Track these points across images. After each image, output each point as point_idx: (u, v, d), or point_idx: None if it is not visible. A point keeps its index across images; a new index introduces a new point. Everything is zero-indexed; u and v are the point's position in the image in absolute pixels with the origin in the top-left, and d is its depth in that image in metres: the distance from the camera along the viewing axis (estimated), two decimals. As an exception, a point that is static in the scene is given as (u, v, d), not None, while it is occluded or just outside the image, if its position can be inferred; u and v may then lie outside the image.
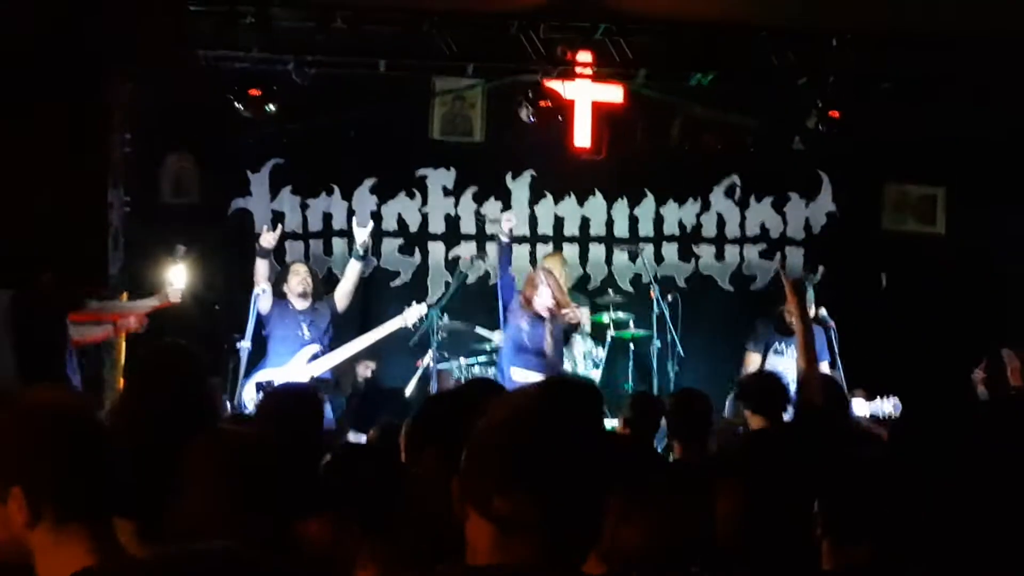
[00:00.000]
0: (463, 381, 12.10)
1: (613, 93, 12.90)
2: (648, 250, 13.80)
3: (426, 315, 11.63)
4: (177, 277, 10.84)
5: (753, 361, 11.63)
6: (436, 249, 13.98)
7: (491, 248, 13.62)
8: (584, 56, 12.27)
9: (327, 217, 13.72)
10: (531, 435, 2.47)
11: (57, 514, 2.81)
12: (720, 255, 14.26)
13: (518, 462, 2.44)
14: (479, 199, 13.97)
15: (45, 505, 2.80)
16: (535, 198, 14.09)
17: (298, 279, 11.61)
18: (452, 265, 13.80)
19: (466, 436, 2.60)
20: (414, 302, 11.65)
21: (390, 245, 13.86)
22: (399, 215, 13.88)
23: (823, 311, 11.40)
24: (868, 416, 10.60)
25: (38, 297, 9.61)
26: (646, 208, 14.17)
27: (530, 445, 2.46)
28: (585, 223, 14.17)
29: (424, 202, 13.92)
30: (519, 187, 14.05)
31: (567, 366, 12.21)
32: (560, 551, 2.45)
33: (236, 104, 11.72)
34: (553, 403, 2.59)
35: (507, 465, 2.45)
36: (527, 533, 2.42)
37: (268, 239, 11.45)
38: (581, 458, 2.48)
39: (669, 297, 12.63)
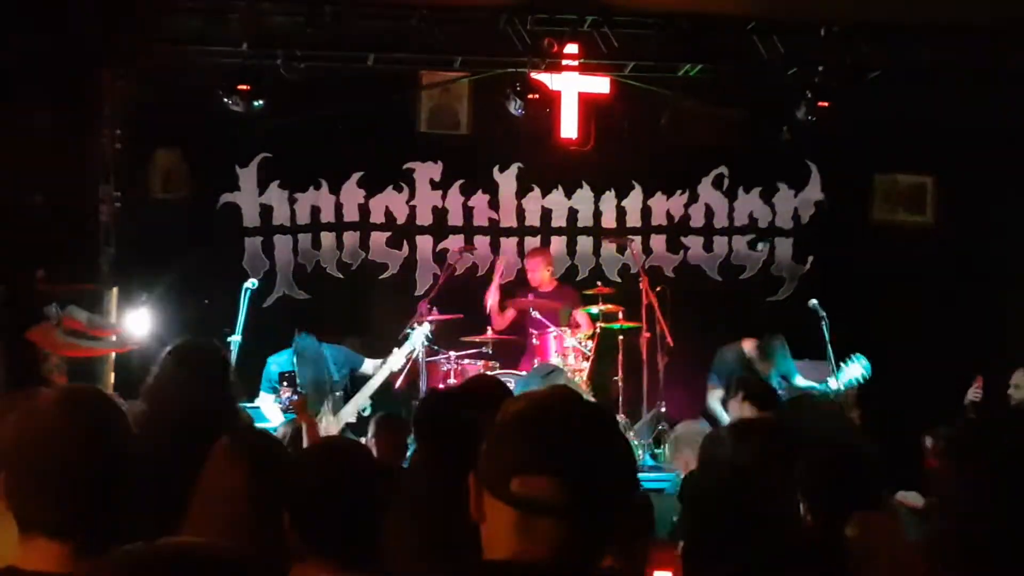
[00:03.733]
0: (452, 374, 12.13)
1: (600, 84, 12.92)
2: (636, 241, 13.82)
3: (430, 335, 11.57)
4: (137, 324, 10.75)
5: (717, 395, 11.56)
6: (424, 242, 13.97)
7: (479, 241, 13.73)
8: (571, 48, 12.27)
9: (315, 211, 13.71)
10: (550, 418, 2.52)
11: (19, 523, 2.79)
12: (708, 246, 14.28)
13: (536, 442, 2.48)
14: (466, 192, 13.97)
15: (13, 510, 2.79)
16: (522, 190, 14.10)
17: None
18: (440, 258, 13.79)
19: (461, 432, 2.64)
20: (416, 325, 11.56)
21: (378, 238, 13.86)
22: (387, 208, 13.88)
23: (813, 301, 11.44)
24: None
25: (32, 294, 9.65)
26: (634, 199, 14.19)
27: (548, 426, 2.50)
28: (573, 215, 14.18)
29: (412, 195, 13.91)
30: (506, 179, 14.07)
31: (555, 359, 12.20)
32: (580, 539, 2.46)
33: (225, 99, 11.68)
34: (570, 394, 2.66)
35: (525, 445, 2.48)
36: (547, 517, 2.44)
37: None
38: (599, 444, 2.52)
39: (658, 288, 12.67)
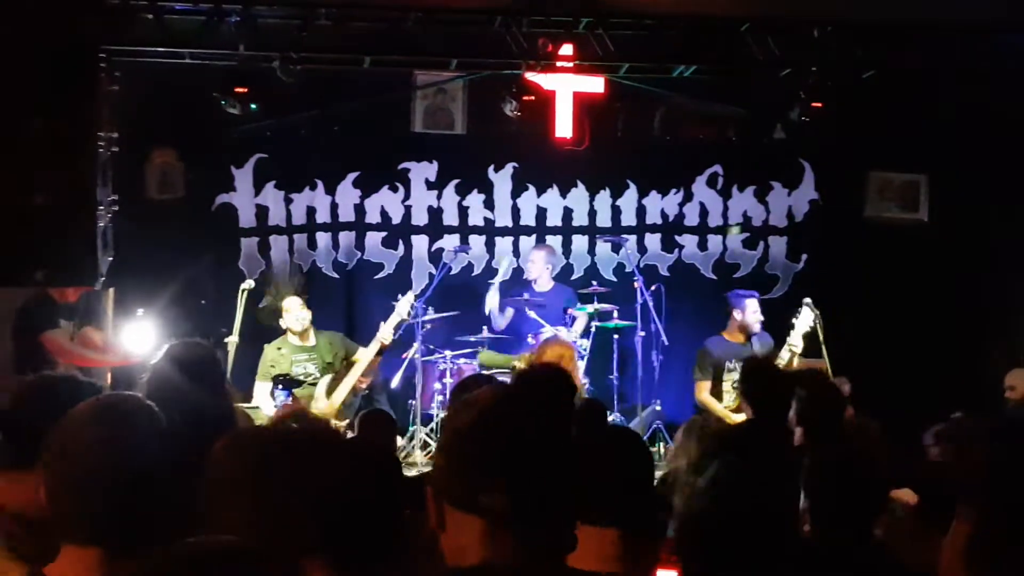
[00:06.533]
0: (448, 373, 12.20)
1: (595, 84, 12.93)
2: (631, 240, 13.87)
3: (415, 302, 11.55)
4: (137, 338, 10.85)
5: (705, 388, 11.63)
6: (419, 242, 14.00)
7: (474, 241, 13.75)
8: (566, 50, 12.29)
9: (311, 211, 13.73)
10: (504, 431, 2.54)
11: (56, 533, 2.81)
12: (703, 245, 14.30)
13: (497, 457, 2.50)
14: (462, 192, 14.00)
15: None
16: (518, 190, 14.12)
17: (294, 317, 11.22)
18: (435, 257, 13.83)
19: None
20: (400, 295, 11.58)
21: (373, 238, 13.88)
22: (382, 208, 13.90)
23: (807, 300, 11.46)
24: None
25: (39, 303, 9.82)
26: (628, 199, 14.20)
27: (504, 440, 2.52)
28: (568, 214, 14.20)
29: (407, 195, 13.93)
30: (501, 179, 14.08)
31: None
32: (548, 543, 2.52)
33: (222, 102, 11.70)
34: (523, 396, 2.71)
35: (486, 460, 2.51)
36: (515, 526, 2.47)
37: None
38: (555, 451, 2.55)
39: (652, 287, 12.73)
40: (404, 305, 11.25)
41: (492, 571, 2.48)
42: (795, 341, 11.06)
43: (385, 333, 10.94)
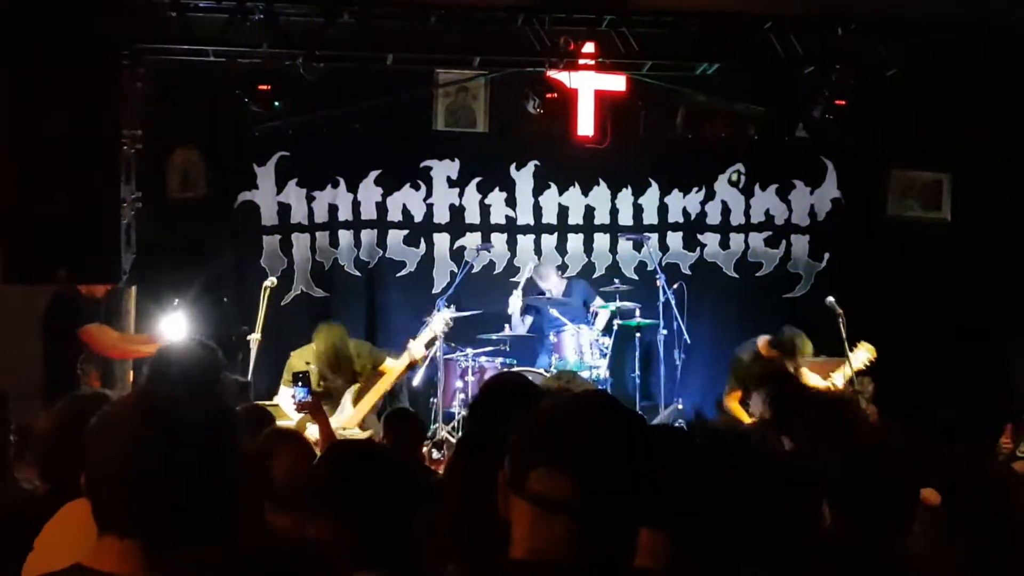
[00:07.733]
0: (470, 372, 12.19)
1: (616, 82, 12.92)
2: (653, 239, 13.85)
3: (450, 320, 11.50)
4: (171, 329, 10.87)
5: (735, 397, 11.54)
6: (441, 240, 13.98)
7: (496, 239, 13.73)
8: (589, 48, 12.28)
9: (333, 209, 13.73)
10: (573, 417, 2.51)
11: (97, 525, 2.81)
12: (725, 243, 14.26)
13: (556, 439, 2.46)
14: (483, 190, 13.99)
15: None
16: (539, 188, 14.10)
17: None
18: (457, 255, 13.83)
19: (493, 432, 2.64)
20: (435, 311, 11.56)
21: (395, 236, 13.87)
22: (404, 206, 13.89)
23: (830, 299, 11.44)
24: None
25: (69, 298, 9.86)
26: (650, 197, 14.17)
27: (570, 425, 2.48)
28: (590, 212, 14.17)
29: (429, 193, 13.93)
30: (523, 177, 14.07)
31: (573, 356, 12.26)
32: (595, 540, 2.43)
33: (245, 100, 11.70)
34: (601, 398, 2.67)
35: (545, 442, 2.46)
36: (562, 516, 2.41)
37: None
38: (622, 448, 2.49)
39: (674, 285, 12.71)
40: (438, 323, 11.22)
41: (529, 568, 2.44)
42: (837, 381, 11.03)
43: (416, 349, 10.91)
